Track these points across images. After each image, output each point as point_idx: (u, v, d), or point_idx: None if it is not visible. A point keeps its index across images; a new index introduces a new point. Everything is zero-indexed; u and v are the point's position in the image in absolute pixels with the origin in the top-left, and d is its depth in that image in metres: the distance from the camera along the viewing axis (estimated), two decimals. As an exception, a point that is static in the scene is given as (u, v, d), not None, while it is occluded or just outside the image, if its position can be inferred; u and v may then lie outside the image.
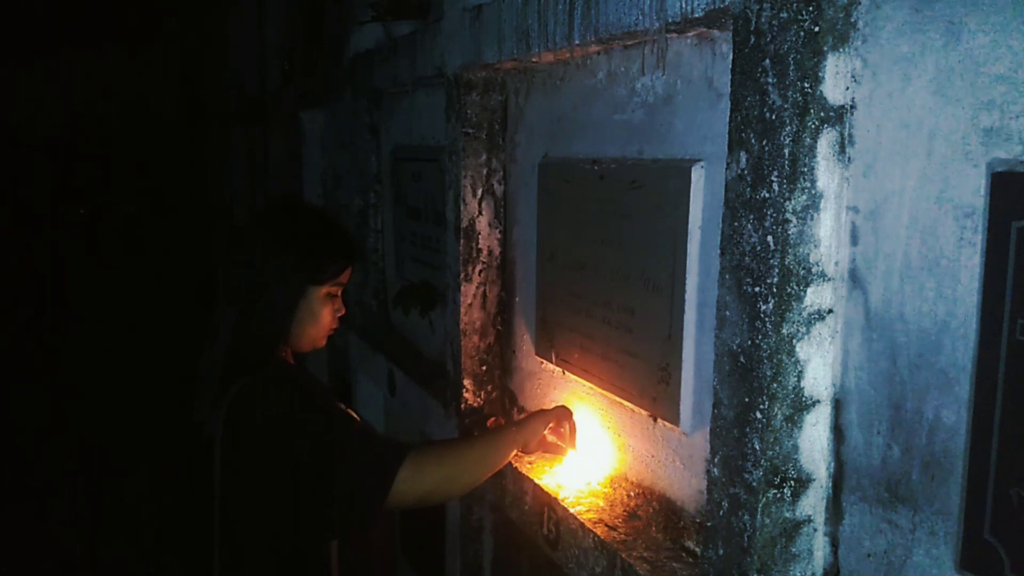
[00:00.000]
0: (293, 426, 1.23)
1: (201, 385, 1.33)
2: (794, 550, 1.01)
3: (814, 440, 0.99)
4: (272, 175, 4.63)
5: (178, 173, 9.68)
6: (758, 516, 0.97)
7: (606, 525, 1.35)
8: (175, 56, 9.53)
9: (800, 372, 0.97)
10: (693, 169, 1.18)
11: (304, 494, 1.23)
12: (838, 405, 0.99)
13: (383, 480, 1.22)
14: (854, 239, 0.95)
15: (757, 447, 0.97)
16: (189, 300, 6.89)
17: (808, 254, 0.95)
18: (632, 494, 1.41)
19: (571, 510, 1.41)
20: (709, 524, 1.07)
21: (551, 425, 1.51)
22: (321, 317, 1.36)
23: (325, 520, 1.27)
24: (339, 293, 1.39)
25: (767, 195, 0.94)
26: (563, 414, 1.52)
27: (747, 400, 0.98)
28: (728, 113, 1.01)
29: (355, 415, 1.34)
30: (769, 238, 0.94)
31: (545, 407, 1.61)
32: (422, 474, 1.26)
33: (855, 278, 0.95)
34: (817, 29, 0.90)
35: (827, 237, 0.96)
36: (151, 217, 10.02)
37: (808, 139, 0.92)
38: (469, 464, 1.37)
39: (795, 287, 0.95)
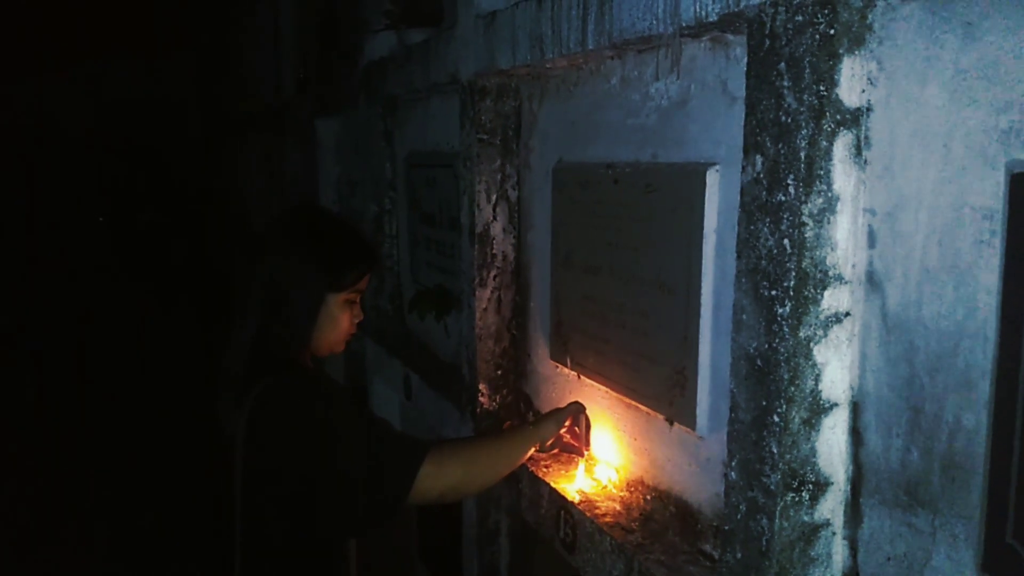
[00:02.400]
0: (316, 425, 1.25)
1: (222, 388, 1.35)
2: (813, 554, 1.00)
3: (832, 443, 0.99)
4: (288, 181, 4.67)
5: (195, 180, 9.78)
6: (776, 520, 0.97)
7: (623, 528, 1.35)
8: (192, 65, 9.65)
9: (818, 375, 0.96)
10: (708, 173, 1.18)
11: (327, 491, 1.25)
12: (856, 408, 0.98)
13: (406, 476, 1.24)
14: (871, 242, 0.95)
15: (775, 450, 0.97)
16: (208, 305, 6.95)
17: (825, 257, 0.95)
18: (649, 497, 1.41)
19: (587, 513, 1.41)
20: (727, 528, 1.07)
21: (567, 423, 1.52)
22: (340, 322, 1.37)
23: (348, 517, 1.28)
24: (358, 299, 1.41)
25: (783, 198, 0.94)
26: (578, 410, 1.54)
27: (764, 403, 0.98)
28: (743, 117, 1.01)
29: (375, 414, 1.35)
30: (785, 241, 0.94)
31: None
32: (444, 470, 1.28)
33: (872, 281, 0.95)
34: (832, 32, 0.90)
35: (844, 240, 0.95)
36: (169, 223, 10.12)
37: (824, 142, 0.92)
38: (489, 461, 1.38)
39: (812, 290, 0.95)
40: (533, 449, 1.46)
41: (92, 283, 9.01)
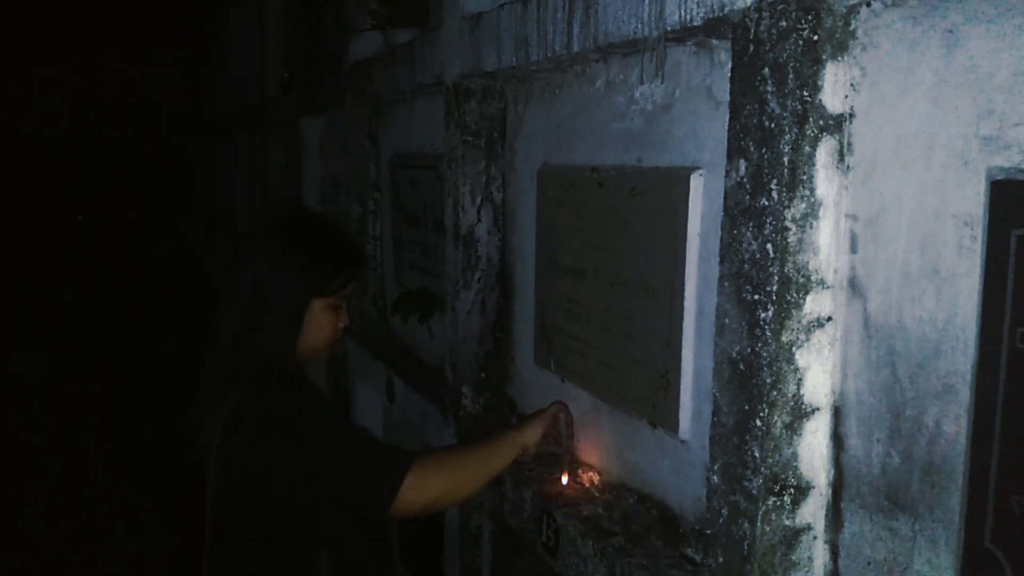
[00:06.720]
0: (296, 433, 1.23)
1: (202, 392, 1.32)
2: (794, 558, 1.00)
3: (814, 448, 0.99)
4: (271, 182, 4.63)
5: (177, 179, 9.69)
6: (758, 524, 0.97)
7: (605, 532, 1.35)
8: (175, 63, 9.56)
9: (800, 380, 0.97)
10: (692, 177, 1.18)
11: (303, 503, 1.23)
12: (838, 413, 0.99)
13: (389, 488, 1.21)
14: (853, 247, 0.95)
15: (757, 455, 0.97)
16: (188, 307, 6.88)
17: (807, 262, 0.95)
18: (631, 501, 1.41)
19: (570, 517, 1.41)
20: (709, 532, 1.07)
21: (549, 423, 1.51)
22: (325, 328, 1.34)
23: (327, 529, 1.26)
24: (344, 304, 1.38)
25: (766, 203, 0.94)
26: (560, 410, 1.53)
27: (747, 408, 0.98)
28: (727, 121, 1.02)
29: (357, 424, 1.33)
30: (768, 246, 0.94)
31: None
32: (428, 481, 1.25)
33: (854, 286, 0.95)
34: (816, 38, 0.91)
35: (826, 245, 0.96)
36: (150, 224, 10.02)
37: (807, 147, 0.92)
38: (473, 470, 1.36)
39: (794, 295, 0.95)
40: (518, 453, 1.45)
41: (72, 283, 8.89)
